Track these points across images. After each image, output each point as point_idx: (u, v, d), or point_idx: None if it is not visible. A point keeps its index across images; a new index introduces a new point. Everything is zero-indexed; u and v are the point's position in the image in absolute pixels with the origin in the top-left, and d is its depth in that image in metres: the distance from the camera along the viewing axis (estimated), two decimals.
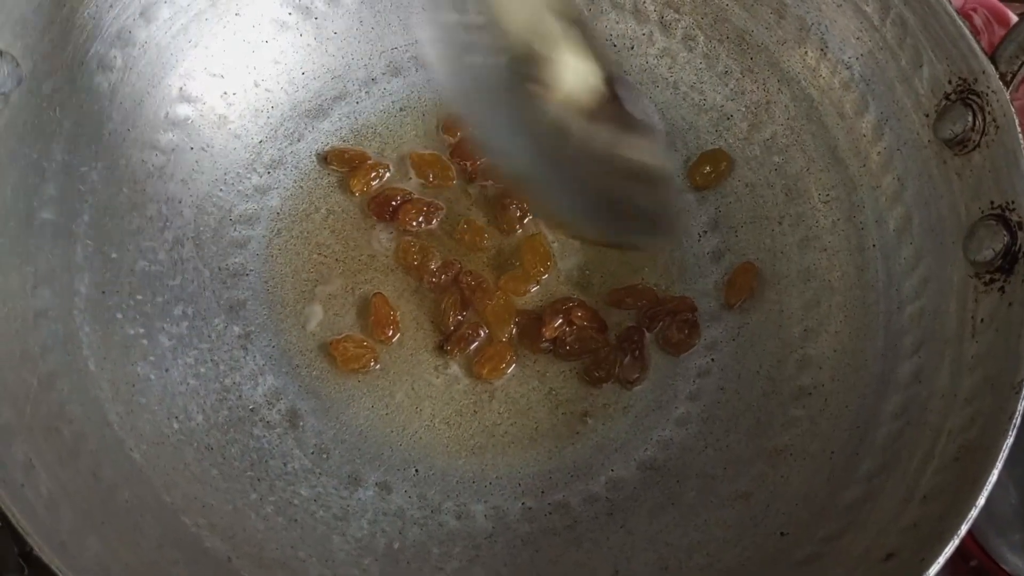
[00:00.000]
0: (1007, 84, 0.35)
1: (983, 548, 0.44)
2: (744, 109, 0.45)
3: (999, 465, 0.30)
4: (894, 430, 0.35)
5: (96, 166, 0.38)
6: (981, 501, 0.30)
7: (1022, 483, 0.41)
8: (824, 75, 0.42)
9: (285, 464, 0.38)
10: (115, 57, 0.39)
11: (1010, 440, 0.31)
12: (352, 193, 0.43)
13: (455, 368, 0.41)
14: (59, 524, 0.29)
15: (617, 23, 0.46)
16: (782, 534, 0.35)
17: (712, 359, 0.41)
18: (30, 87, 0.35)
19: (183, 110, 0.42)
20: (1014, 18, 0.49)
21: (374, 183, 0.44)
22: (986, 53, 0.36)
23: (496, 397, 0.40)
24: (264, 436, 0.38)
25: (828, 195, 0.42)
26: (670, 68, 0.46)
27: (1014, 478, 0.41)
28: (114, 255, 0.38)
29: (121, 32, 0.39)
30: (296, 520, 0.36)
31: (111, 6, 0.38)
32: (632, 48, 0.46)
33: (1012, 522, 0.42)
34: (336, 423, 0.39)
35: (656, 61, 0.46)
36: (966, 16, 0.38)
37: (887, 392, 0.37)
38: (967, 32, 0.36)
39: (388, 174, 0.44)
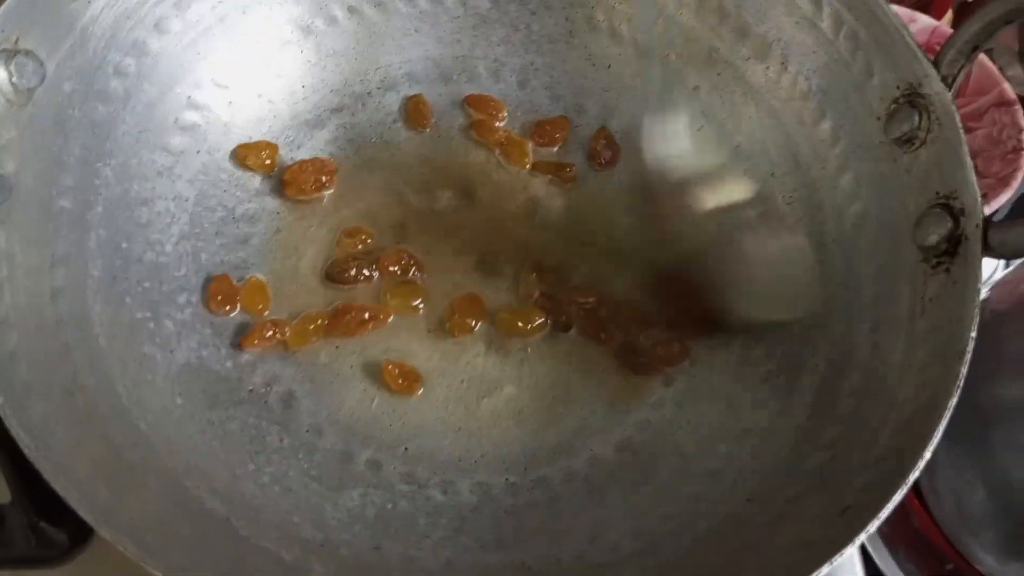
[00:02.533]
0: (949, 86, 0.38)
1: (957, 550, 0.45)
2: (712, 122, 0.48)
3: (944, 422, 0.33)
4: (854, 402, 0.38)
5: (110, 163, 0.41)
6: (927, 454, 0.32)
7: (991, 482, 0.42)
8: (785, 87, 0.45)
9: (281, 440, 0.40)
10: (130, 65, 0.42)
11: (954, 400, 0.33)
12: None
13: (445, 354, 0.43)
14: (74, 473, 0.31)
15: (595, 44, 0.50)
16: (748, 500, 0.38)
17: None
18: (53, 86, 0.38)
19: (191, 116, 0.45)
20: None
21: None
22: (929, 59, 0.39)
23: (484, 382, 0.43)
24: (262, 415, 0.40)
25: (791, 197, 0.45)
26: (644, 86, 0.49)
27: (983, 477, 0.42)
28: (124, 245, 0.41)
29: (136, 42, 0.42)
30: (291, 490, 0.38)
31: (127, 18, 0.41)
32: (609, 67, 0.50)
33: (983, 521, 0.43)
34: (330, 405, 0.41)
35: (631, 80, 0.50)
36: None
37: (847, 370, 0.39)
38: (912, 41, 0.39)
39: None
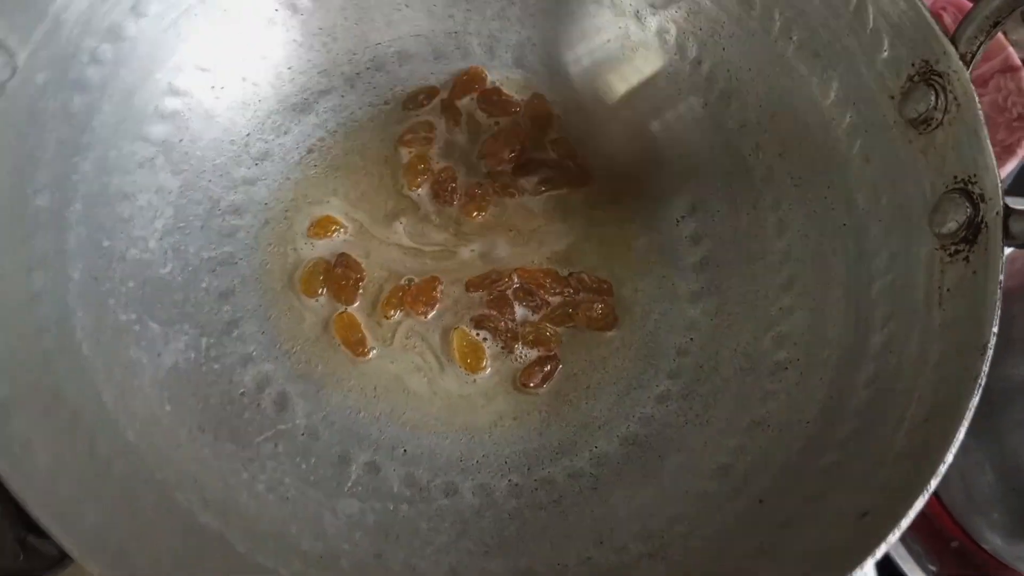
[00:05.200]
0: (967, 64, 0.37)
1: (963, 528, 0.45)
2: (716, 96, 0.46)
3: (965, 424, 0.32)
4: (867, 398, 0.36)
5: (88, 156, 0.39)
6: (949, 457, 0.31)
7: (998, 462, 0.42)
8: (793, 62, 0.43)
9: (276, 445, 0.39)
10: (106, 51, 0.40)
11: (975, 400, 0.32)
12: None
13: (441, 350, 0.42)
14: (57, 494, 0.30)
15: (594, 17, 0.47)
16: (760, 501, 0.36)
17: (691, 338, 0.43)
18: (25, 78, 0.36)
19: (172, 103, 0.43)
20: None
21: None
22: (947, 35, 0.37)
23: (482, 379, 0.41)
24: (254, 419, 0.39)
25: (800, 178, 0.43)
26: (645, 59, 0.47)
27: (990, 457, 0.42)
28: (106, 243, 0.39)
29: (112, 27, 0.40)
30: (287, 498, 0.37)
31: (103, 1, 0.39)
32: (608, 41, 0.47)
33: (989, 500, 0.43)
34: (325, 406, 0.40)
35: (631, 53, 0.47)
36: (936, 15, 0.40)
37: (860, 363, 0.38)
38: (928, 15, 0.38)
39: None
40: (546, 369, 0.42)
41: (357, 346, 0.41)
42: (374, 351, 0.42)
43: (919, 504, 0.30)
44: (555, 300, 0.43)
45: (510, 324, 0.42)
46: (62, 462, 0.31)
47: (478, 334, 0.42)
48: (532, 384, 0.41)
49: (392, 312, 0.42)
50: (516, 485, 0.39)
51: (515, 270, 0.43)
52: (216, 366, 0.40)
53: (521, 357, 0.42)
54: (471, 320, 0.42)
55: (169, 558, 0.31)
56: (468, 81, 0.47)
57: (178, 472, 0.35)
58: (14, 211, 0.36)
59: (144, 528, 0.32)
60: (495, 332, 0.42)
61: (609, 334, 0.43)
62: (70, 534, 0.28)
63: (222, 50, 0.44)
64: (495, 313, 0.42)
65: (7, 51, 0.35)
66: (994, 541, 0.44)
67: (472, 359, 0.41)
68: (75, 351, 0.36)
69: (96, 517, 0.30)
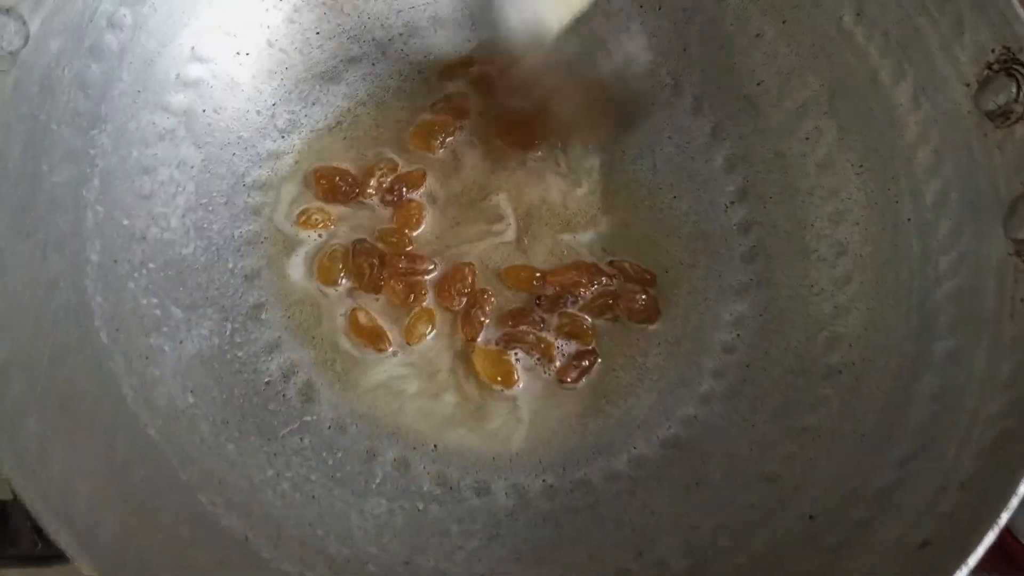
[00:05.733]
0: None
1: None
2: (776, 74, 0.43)
3: None
4: (928, 413, 0.34)
5: (106, 128, 0.37)
6: (1021, 489, 0.29)
7: None
8: (860, 41, 0.40)
9: (302, 439, 0.37)
10: (125, 15, 0.37)
11: None
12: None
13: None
14: (73, 503, 0.28)
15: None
16: (811, 517, 0.35)
17: (738, 335, 0.40)
18: (38, 46, 0.34)
19: (195, 70, 0.40)
20: None
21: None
22: None
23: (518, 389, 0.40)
24: (280, 410, 0.37)
25: (862, 166, 0.40)
26: (700, 31, 0.44)
27: None
28: (125, 221, 0.37)
29: None
30: (314, 497, 0.36)
31: None
32: (659, 8, 0.44)
33: None
34: (353, 397, 0.38)
35: (685, 24, 0.44)
36: None
37: (921, 373, 0.36)
38: None
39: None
40: (584, 364, 0.40)
41: (377, 341, 0.39)
42: (395, 351, 0.40)
43: (988, 539, 0.29)
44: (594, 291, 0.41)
45: (542, 336, 0.40)
46: (79, 466, 0.30)
47: (508, 350, 0.40)
48: (569, 380, 0.39)
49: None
50: (551, 486, 0.38)
51: (546, 276, 0.41)
52: (240, 353, 0.38)
53: (563, 355, 0.40)
54: (499, 340, 0.40)
55: (193, 569, 0.30)
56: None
57: (201, 471, 0.34)
58: (29, 189, 0.33)
59: (166, 538, 0.30)
60: (528, 347, 0.40)
61: (651, 327, 0.41)
62: (88, 552, 0.26)
63: (248, 13, 0.42)
64: (523, 328, 0.40)
65: (19, 18, 0.33)
66: None
67: (503, 376, 0.39)
68: (93, 340, 0.34)
69: (115, 527, 0.29)
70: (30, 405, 0.30)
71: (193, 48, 0.40)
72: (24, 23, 0.33)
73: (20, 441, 0.28)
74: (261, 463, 0.36)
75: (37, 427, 0.29)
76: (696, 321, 0.41)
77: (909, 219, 0.39)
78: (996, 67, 0.35)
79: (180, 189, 0.39)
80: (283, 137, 0.42)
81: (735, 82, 0.44)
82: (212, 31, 0.40)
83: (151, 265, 0.37)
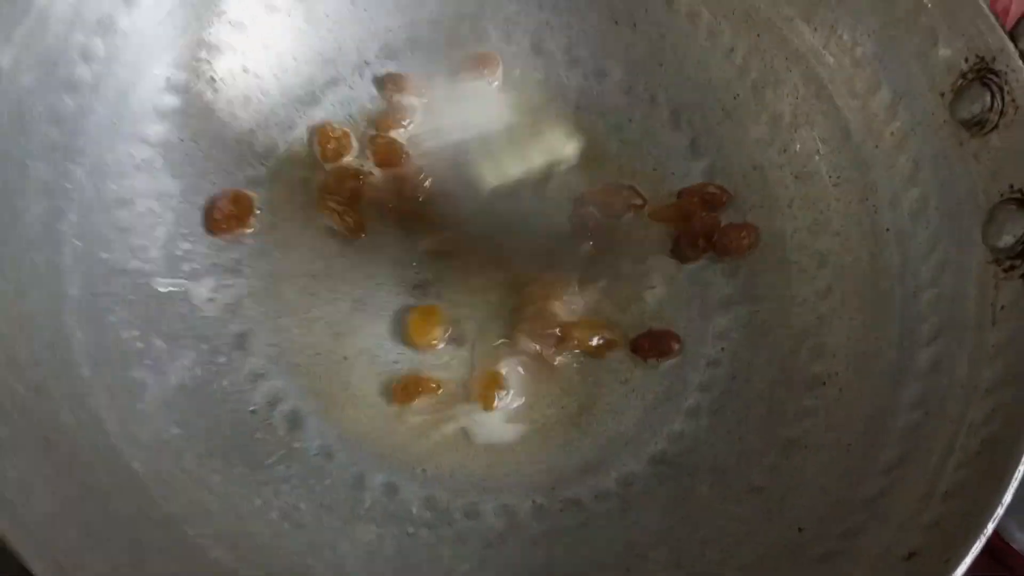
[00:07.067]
0: None
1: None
2: (750, 88, 0.43)
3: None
4: (912, 421, 0.34)
5: (82, 162, 0.36)
6: (1007, 498, 0.29)
7: None
8: (834, 52, 0.41)
9: (288, 467, 0.37)
10: (98, 46, 0.37)
11: None
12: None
13: (462, 362, 0.40)
14: (58, 544, 0.28)
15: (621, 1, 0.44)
16: (799, 529, 0.35)
17: (722, 348, 0.41)
18: (9, 81, 0.34)
19: (170, 100, 0.40)
20: None
21: None
22: (1005, 30, 0.34)
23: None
24: (266, 439, 0.37)
25: (839, 176, 0.41)
26: (674, 46, 0.44)
27: None
28: (104, 255, 0.37)
29: (103, 19, 0.37)
30: (302, 526, 0.35)
31: None
32: (635, 26, 0.45)
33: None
34: (339, 424, 0.38)
35: (660, 40, 0.45)
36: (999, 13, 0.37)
37: (904, 381, 0.36)
38: (985, 7, 0.35)
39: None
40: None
41: None
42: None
43: (975, 549, 0.29)
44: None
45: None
46: (63, 506, 0.29)
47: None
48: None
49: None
50: (540, 506, 0.37)
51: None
52: (225, 383, 0.38)
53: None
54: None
55: None
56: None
57: (187, 503, 0.34)
58: (4, 228, 0.33)
59: (155, 574, 0.30)
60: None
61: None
62: None
63: (222, 40, 0.41)
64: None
65: None
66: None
67: (484, 400, 0.39)
68: (74, 375, 0.34)
69: (101, 567, 0.29)
70: (10, 445, 0.29)
71: (168, 78, 0.40)
72: None
73: (2, 482, 0.28)
74: (248, 493, 0.35)
75: (19, 467, 0.29)
76: (681, 336, 0.41)
77: (888, 229, 0.39)
78: (970, 76, 0.36)
79: (160, 220, 0.39)
80: (262, 163, 0.42)
81: (712, 96, 0.44)
82: (186, 60, 0.40)
83: (131, 298, 0.37)
